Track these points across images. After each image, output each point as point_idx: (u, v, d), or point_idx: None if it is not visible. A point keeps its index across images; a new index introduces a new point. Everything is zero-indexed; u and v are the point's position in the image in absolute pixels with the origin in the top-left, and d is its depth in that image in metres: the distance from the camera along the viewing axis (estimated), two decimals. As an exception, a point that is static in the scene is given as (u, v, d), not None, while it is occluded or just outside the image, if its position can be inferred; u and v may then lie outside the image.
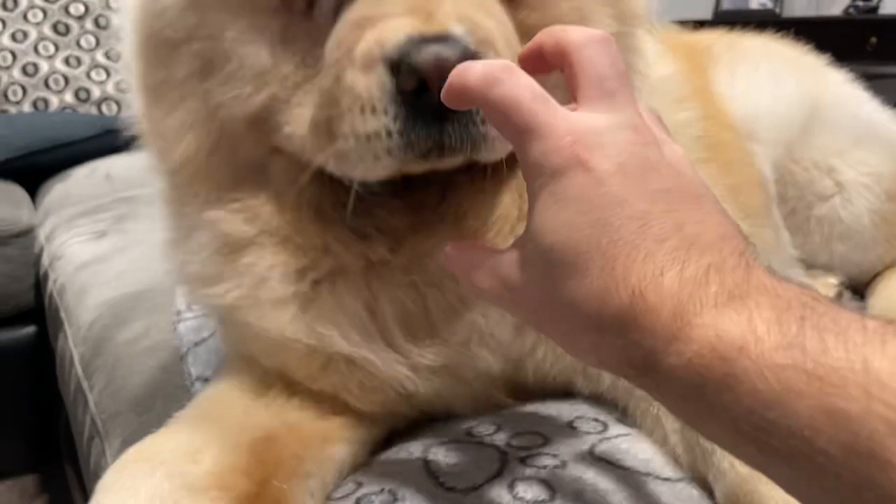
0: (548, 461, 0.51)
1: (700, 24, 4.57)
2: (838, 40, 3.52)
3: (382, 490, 0.50)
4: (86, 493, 0.91)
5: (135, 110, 0.56)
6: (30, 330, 1.58)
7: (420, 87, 0.41)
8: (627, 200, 0.34)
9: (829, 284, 0.85)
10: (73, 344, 0.96)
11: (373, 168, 0.45)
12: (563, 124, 0.35)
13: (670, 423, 0.52)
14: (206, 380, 0.70)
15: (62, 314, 1.07)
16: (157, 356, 0.79)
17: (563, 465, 0.51)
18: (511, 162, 0.48)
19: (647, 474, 0.50)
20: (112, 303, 0.95)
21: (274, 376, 0.57)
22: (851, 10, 3.52)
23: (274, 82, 0.48)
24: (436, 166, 0.47)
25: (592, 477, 0.49)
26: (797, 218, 0.86)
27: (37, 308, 1.56)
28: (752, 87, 0.87)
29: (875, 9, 3.48)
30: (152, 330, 0.84)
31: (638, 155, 0.35)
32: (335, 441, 0.55)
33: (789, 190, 0.85)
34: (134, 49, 0.53)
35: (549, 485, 0.48)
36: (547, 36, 0.40)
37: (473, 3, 0.45)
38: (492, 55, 0.42)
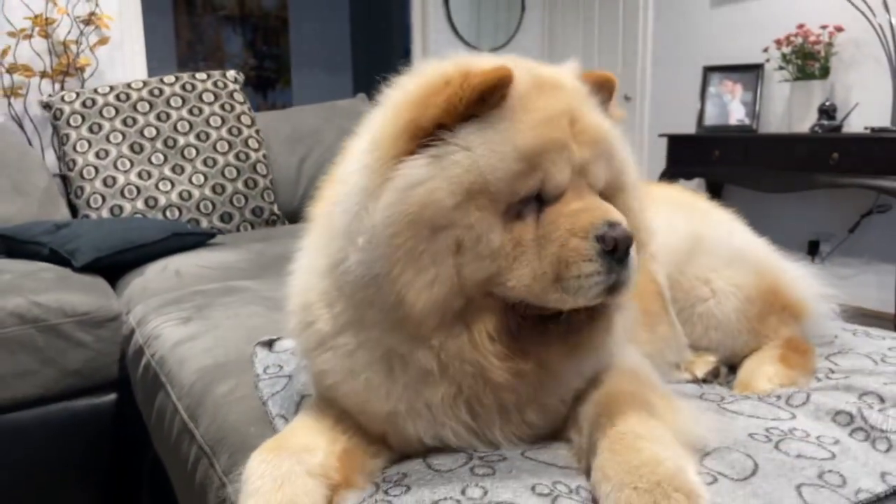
0: (495, 458, 0.87)
1: (685, 139, 5.04)
2: (806, 154, 3.96)
3: (398, 473, 0.86)
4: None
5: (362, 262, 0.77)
6: (111, 397, 1.93)
7: (612, 249, 0.74)
8: None
9: (709, 361, 1.19)
10: (175, 399, 1.32)
11: (581, 296, 0.75)
12: None
13: (585, 429, 0.85)
14: (282, 416, 1.06)
15: (162, 378, 1.43)
16: (246, 403, 1.15)
17: (504, 458, 0.86)
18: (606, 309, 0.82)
19: (552, 465, 0.85)
20: (206, 369, 1.31)
21: (346, 415, 0.90)
22: (817, 128, 3.86)
23: (501, 258, 0.76)
24: (607, 300, 0.77)
25: (519, 464, 0.85)
26: (684, 314, 1.19)
27: (119, 379, 1.92)
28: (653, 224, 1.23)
29: (838, 128, 3.81)
30: (240, 386, 1.20)
31: None
32: (381, 455, 0.90)
33: (678, 294, 1.19)
34: (393, 221, 0.74)
35: (492, 468, 0.84)
36: None
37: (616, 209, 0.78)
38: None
